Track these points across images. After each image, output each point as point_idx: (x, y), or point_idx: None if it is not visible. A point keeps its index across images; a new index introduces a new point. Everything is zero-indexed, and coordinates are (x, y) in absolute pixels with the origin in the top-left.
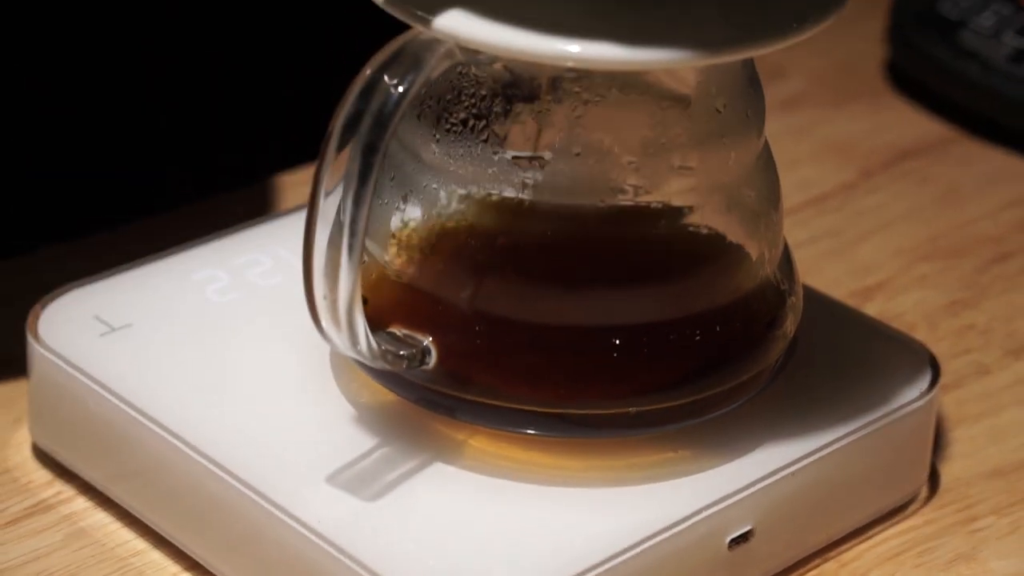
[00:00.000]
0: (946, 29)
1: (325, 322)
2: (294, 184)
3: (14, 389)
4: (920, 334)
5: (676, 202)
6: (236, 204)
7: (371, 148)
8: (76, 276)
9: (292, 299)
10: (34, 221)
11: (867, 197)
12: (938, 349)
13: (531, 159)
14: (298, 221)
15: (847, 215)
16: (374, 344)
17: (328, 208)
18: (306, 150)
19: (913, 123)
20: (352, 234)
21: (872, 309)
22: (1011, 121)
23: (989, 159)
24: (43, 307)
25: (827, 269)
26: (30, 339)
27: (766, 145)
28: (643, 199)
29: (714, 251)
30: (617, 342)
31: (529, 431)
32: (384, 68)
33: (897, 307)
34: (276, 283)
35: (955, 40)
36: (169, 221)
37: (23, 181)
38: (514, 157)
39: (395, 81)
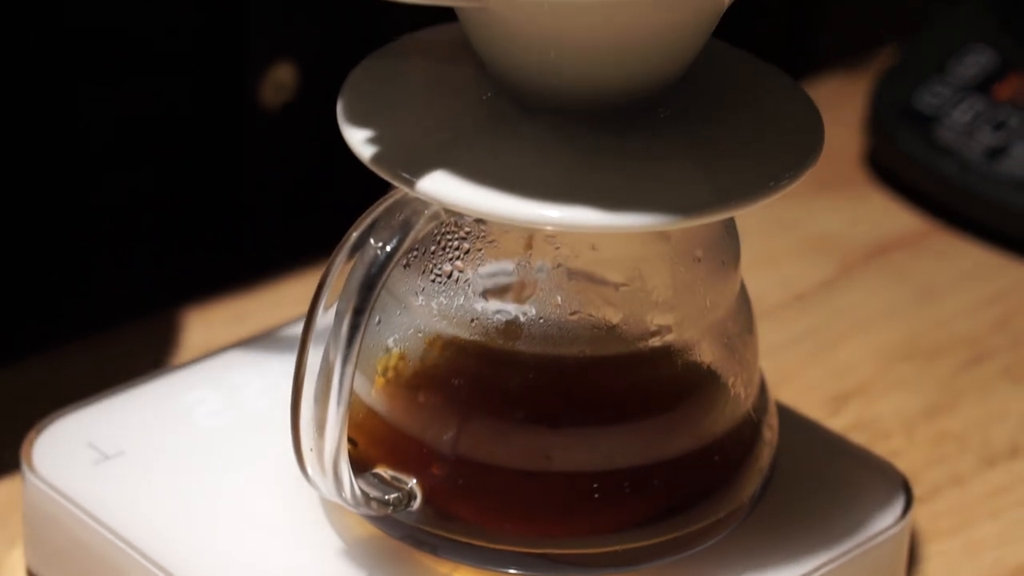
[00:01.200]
0: (922, 123)
1: (311, 470)
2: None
3: (9, 506)
4: (896, 442)
5: (654, 348)
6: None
7: (358, 311)
8: (72, 381)
9: (282, 422)
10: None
11: (846, 295)
12: (914, 459)
13: (513, 310)
14: (288, 339)
15: (826, 313)
16: (359, 492)
17: (315, 362)
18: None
19: (891, 215)
20: (339, 391)
21: (850, 415)
22: (987, 219)
23: (966, 254)
24: (37, 434)
25: (807, 372)
26: (24, 468)
27: (742, 285)
28: (622, 347)
29: (693, 393)
30: (598, 484)
31: (512, 570)
32: (371, 230)
33: (874, 413)
34: (266, 405)
35: (931, 135)
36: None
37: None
38: (497, 309)
39: (382, 244)
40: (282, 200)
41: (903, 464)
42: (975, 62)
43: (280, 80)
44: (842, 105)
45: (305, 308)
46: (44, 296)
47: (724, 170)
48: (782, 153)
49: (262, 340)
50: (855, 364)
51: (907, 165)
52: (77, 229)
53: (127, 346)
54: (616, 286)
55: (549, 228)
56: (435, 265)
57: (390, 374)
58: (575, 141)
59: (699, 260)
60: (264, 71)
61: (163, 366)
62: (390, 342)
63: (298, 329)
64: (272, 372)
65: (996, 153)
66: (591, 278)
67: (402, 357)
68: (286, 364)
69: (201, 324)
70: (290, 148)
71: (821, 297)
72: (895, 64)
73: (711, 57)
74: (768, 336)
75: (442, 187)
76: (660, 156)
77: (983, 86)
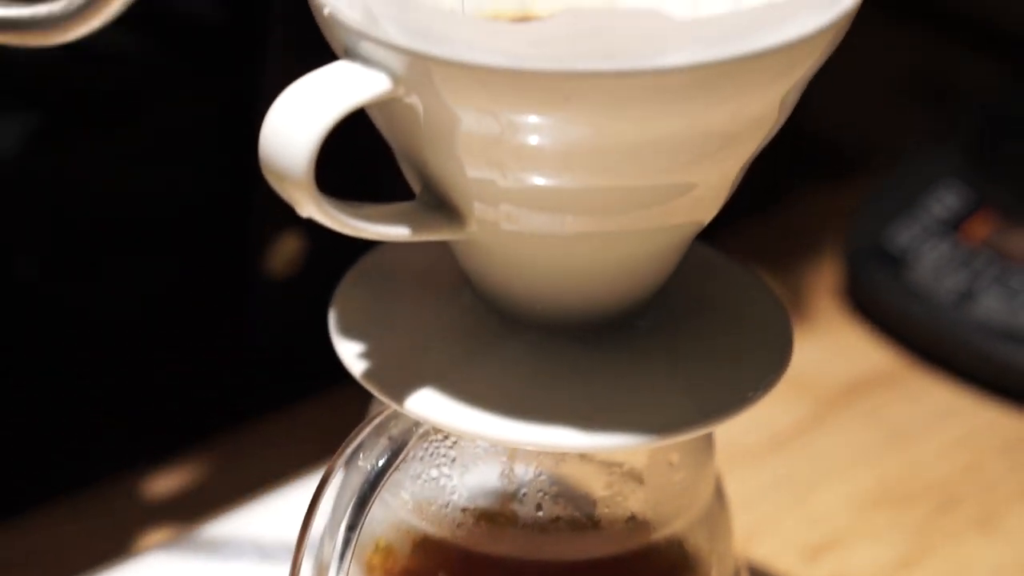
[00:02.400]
0: (893, 264)
1: None
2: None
3: None
4: None
5: (633, 549)
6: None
7: (351, 527)
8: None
9: None
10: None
11: (820, 438)
12: None
13: (498, 514)
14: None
15: (801, 457)
16: None
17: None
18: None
19: (866, 352)
20: None
21: (825, 568)
22: (957, 363)
23: (938, 395)
24: None
25: (783, 522)
26: None
27: (717, 482)
28: (602, 550)
29: None
30: None
31: None
32: (362, 448)
33: (848, 566)
34: None
35: (902, 276)
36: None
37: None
38: (482, 512)
39: (373, 461)
40: (286, 370)
41: None
42: (946, 200)
43: (287, 251)
44: (821, 234)
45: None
46: (41, 455)
47: (701, 385)
48: (756, 362)
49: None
50: (830, 513)
51: (879, 304)
52: (81, 392)
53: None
54: (596, 494)
55: (531, 448)
56: (422, 470)
57: (379, 563)
58: (558, 358)
59: (675, 465)
60: (271, 242)
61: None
62: (379, 535)
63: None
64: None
65: (965, 297)
66: (572, 485)
67: (389, 552)
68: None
69: (188, 487)
70: (296, 317)
71: (796, 440)
72: (869, 200)
73: (685, 259)
74: (744, 483)
75: (430, 408)
76: (640, 372)
77: (953, 225)
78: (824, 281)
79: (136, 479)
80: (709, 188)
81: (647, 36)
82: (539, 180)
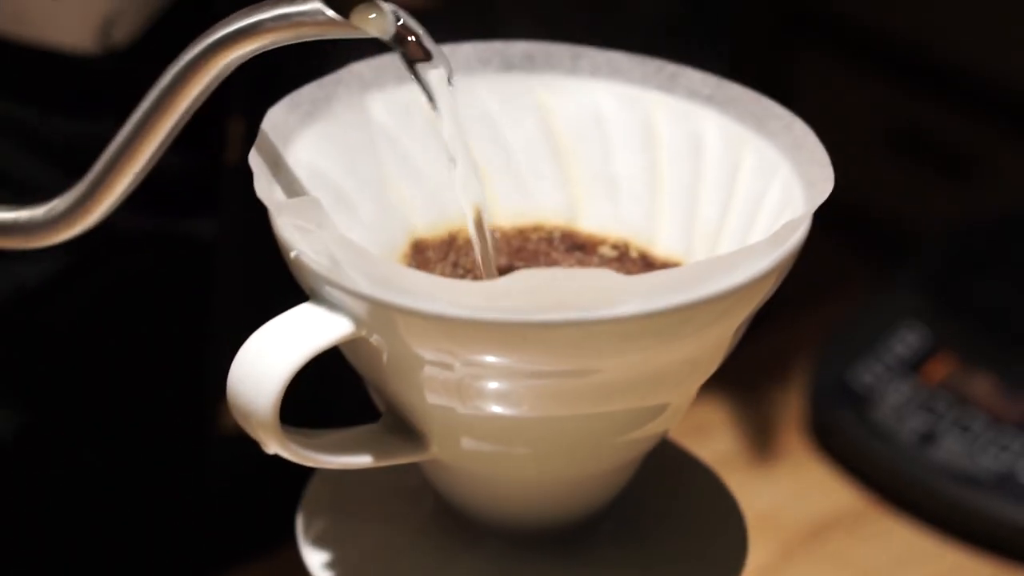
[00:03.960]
0: (856, 403)
1: None
2: None
3: None
4: None
5: None
6: None
7: None
8: None
9: None
10: None
11: None
12: None
13: None
14: None
15: None
16: None
17: None
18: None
19: (831, 490)
20: None
21: None
22: (920, 504)
23: (901, 537)
24: None
25: None
26: None
27: None
28: None
29: None
30: None
31: None
32: None
33: None
34: None
35: (864, 415)
36: None
37: None
38: None
39: None
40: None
41: None
42: (907, 340)
43: None
44: (784, 379)
45: None
46: None
47: None
48: (716, 564)
49: None
50: None
51: (844, 443)
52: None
53: None
54: None
55: None
56: None
57: None
58: (518, 570)
59: None
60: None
61: None
62: None
63: None
64: None
65: (927, 439)
66: None
67: None
68: None
69: None
70: (248, 469)
71: None
72: (833, 339)
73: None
74: None
75: None
76: None
77: (914, 366)
78: (792, 413)
79: None
80: (674, 407)
81: (600, 289)
82: (497, 409)
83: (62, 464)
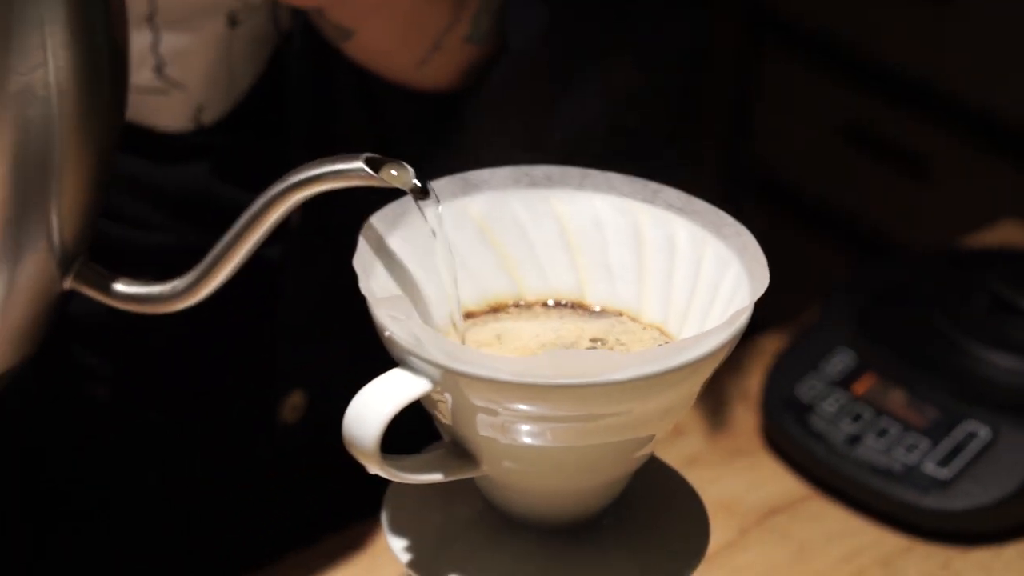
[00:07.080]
0: (800, 410)
1: None
2: None
3: None
4: None
5: None
6: None
7: None
8: None
9: None
10: None
11: (741, 555)
12: None
13: None
14: None
15: (726, 570)
16: None
17: None
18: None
19: (779, 481)
20: None
21: None
22: (849, 493)
23: (834, 517)
24: None
25: None
26: None
27: None
28: None
29: None
30: None
31: None
32: None
33: None
34: None
35: (806, 421)
36: None
37: None
38: None
39: None
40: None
41: None
42: (840, 362)
43: (294, 403)
44: (744, 385)
45: None
46: None
47: (650, 564)
48: (686, 546)
49: None
50: None
51: (789, 443)
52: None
53: None
54: None
55: None
56: None
57: None
58: (545, 551)
59: None
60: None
61: None
62: None
63: None
64: None
65: (854, 440)
66: None
67: None
68: None
69: None
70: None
71: (723, 558)
72: (782, 361)
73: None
74: None
75: None
76: (607, 560)
77: (845, 383)
78: (747, 422)
79: None
80: (658, 438)
81: (600, 362)
82: (529, 441)
83: (156, 440)
